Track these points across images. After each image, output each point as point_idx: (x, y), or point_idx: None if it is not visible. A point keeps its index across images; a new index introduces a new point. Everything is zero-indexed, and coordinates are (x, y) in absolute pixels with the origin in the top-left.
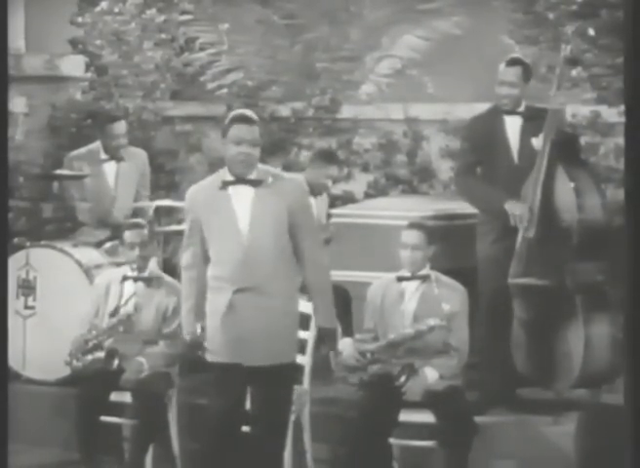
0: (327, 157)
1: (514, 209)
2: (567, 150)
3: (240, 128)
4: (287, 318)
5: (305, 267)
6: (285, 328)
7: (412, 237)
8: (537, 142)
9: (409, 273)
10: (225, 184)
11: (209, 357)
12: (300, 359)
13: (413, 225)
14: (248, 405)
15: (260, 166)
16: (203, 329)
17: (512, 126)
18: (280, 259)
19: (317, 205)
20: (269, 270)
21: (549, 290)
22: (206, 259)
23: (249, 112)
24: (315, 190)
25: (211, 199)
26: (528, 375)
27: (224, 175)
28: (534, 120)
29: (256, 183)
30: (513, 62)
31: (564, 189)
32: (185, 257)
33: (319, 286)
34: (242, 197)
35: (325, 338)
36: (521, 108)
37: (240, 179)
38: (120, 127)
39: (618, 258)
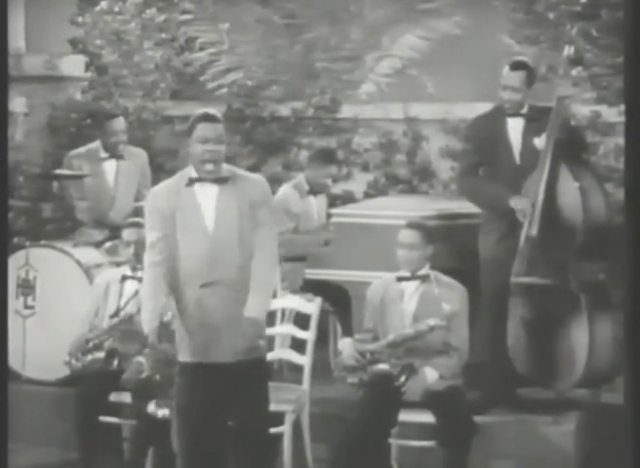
0: (326, 156)
1: (519, 204)
2: (571, 149)
3: (204, 127)
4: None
5: (254, 256)
6: (252, 323)
7: (408, 237)
8: (539, 142)
9: (408, 273)
10: (192, 182)
11: (180, 357)
12: (300, 359)
13: (410, 225)
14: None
15: (225, 165)
16: (167, 328)
17: (514, 127)
18: (246, 254)
19: (316, 204)
20: (235, 265)
21: (553, 289)
22: (172, 256)
23: (212, 111)
24: (315, 189)
25: (176, 196)
26: (529, 375)
27: (190, 172)
28: (536, 120)
29: (221, 181)
30: (517, 67)
31: (568, 188)
32: (152, 255)
33: (259, 275)
34: (207, 194)
35: (252, 329)
36: (524, 110)
37: (206, 177)
38: (119, 123)
39: (621, 258)
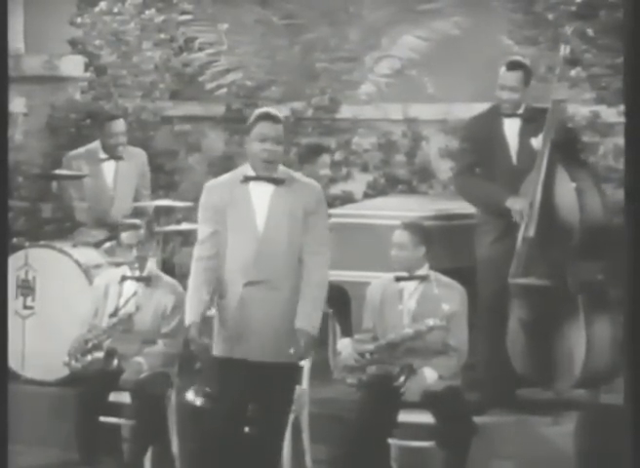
0: (315, 149)
1: (515, 204)
2: (567, 149)
3: (265, 125)
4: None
5: (305, 268)
6: (293, 325)
7: (399, 237)
8: (536, 143)
9: (406, 273)
10: (247, 179)
11: (215, 351)
12: None
13: (402, 225)
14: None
15: (282, 167)
16: (207, 322)
17: (511, 127)
18: (293, 257)
19: None
20: (281, 266)
21: (550, 290)
22: (221, 252)
23: (274, 111)
24: None
25: (230, 193)
26: (528, 376)
27: (246, 170)
28: (533, 121)
29: (277, 182)
30: (514, 66)
31: (565, 189)
32: (202, 249)
33: (312, 286)
34: (261, 193)
35: (305, 340)
36: (520, 110)
37: (262, 176)
38: (119, 125)
39: (618, 258)
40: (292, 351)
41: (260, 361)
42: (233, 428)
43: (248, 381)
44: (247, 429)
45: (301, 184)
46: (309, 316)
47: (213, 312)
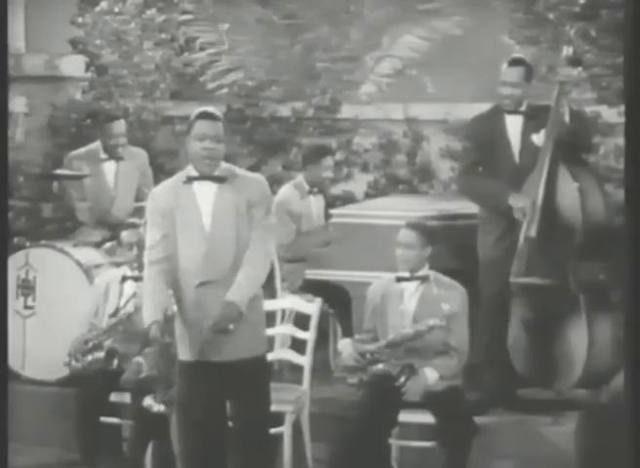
0: (319, 151)
1: (517, 201)
2: (570, 149)
3: (203, 124)
4: (252, 311)
5: (249, 249)
6: (250, 321)
7: (406, 237)
8: (537, 139)
9: (407, 273)
10: (190, 180)
11: (180, 356)
12: (300, 359)
13: (408, 225)
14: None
15: (224, 164)
16: (170, 322)
17: (513, 125)
18: (242, 254)
19: (314, 204)
20: (232, 264)
21: (552, 289)
22: (172, 255)
23: (212, 109)
24: (317, 186)
25: (176, 195)
26: (529, 375)
27: (189, 171)
28: (535, 118)
29: (219, 180)
30: (515, 63)
31: (567, 188)
32: (153, 253)
33: (247, 267)
34: (205, 192)
35: (225, 310)
36: (523, 107)
37: (204, 175)
38: (120, 126)
39: (620, 258)
40: (230, 327)
41: (224, 360)
42: (214, 427)
43: (218, 382)
44: (230, 424)
45: (244, 179)
46: (237, 289)
47: (172, 311)
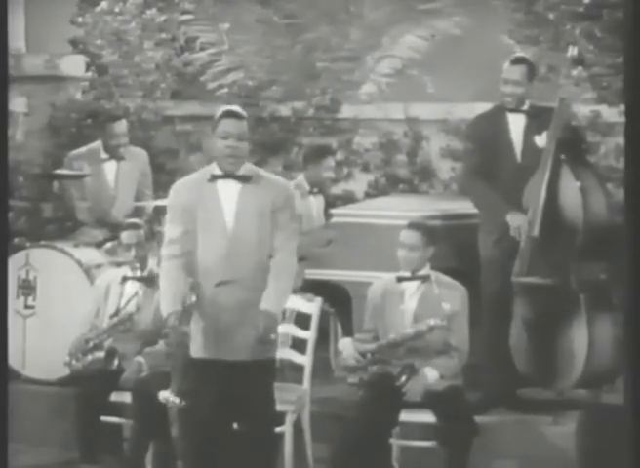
0: (320, 151)
1: (515, 220)
2: (573, 149)
3: (228, 122)
4: (267, 313)
5: (274, 255)
6: (265, 323)
7: (409, 237)
8: (540, 141)
9: (408, 273)
10: (214, 178)
11: (192, 352)
12: (301, 359)
13: (411, 225)
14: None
15: (249, 164)
16: (189, 312)
17: (516, 124)
18: (263, 255)
19: (314, 204)
20: (252, 264)
21: (553, 289)
22: (194, 250)
23: (237, 108)
24: (317, 187)
25: (198, 192)
26: (529, 375)
27: (213, 169)
28: (537, 118)
29: (243, 179)
30: (518, 61)
31: (570, 188)
32: (171, 248)
33: (278, 274)
34: (229, 191)
35: (266, 321)
36: (525, 107)
37: (228, 174)
38: (121, 126)
39: (622, 258)
40: (273, 337)
41: (236, 360)
42: (218, 427)
43: (226, 380)
44: (235, 426)
45: (269, 182)
46: (273, 298)
47: (192, 301)
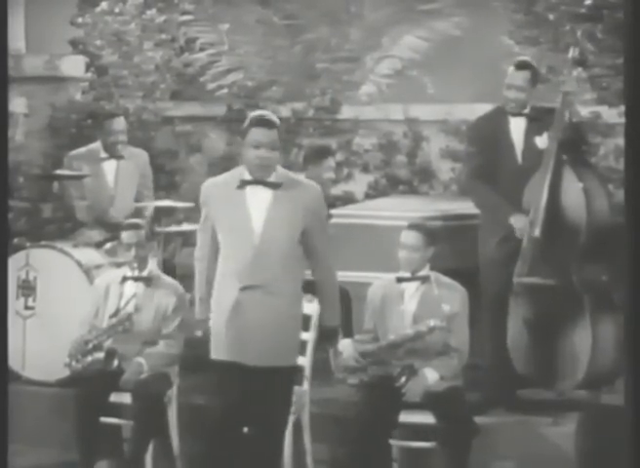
0: (320, 151)
1: (518, 222)
2: (575, 149)
3: (258, 132)
4: (291, 320)
5: (316, 268)
6: (288, 329)
7: (410, 238)
8: (540, 142)
9: (408, 274)
10: (243, 184)
11: (212, 354)
12: (301, 360)
13: (411, 226)
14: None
15: (280, 169)
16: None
17: (517, 126)
18: (289, 261)
19: None
20: (278, 271)
21: (555, 289)
22: (216, 254)
23: (269, 115)
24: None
25: (226, 196)
26: (531, 376)
27: (243, 173)
28: (538, 120)
29: (274, 186)
30: (522, 66)
31: (572, 189)
32: (197, 250)
33: (327, 286)
34: (259, 198)
35: (328, 336)
36: (526, 110)
37: (258, 181)
38: (119, 123)
39: (624, 259)
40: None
41: (257, 365)
42: (230, 429)
43: (245, 385)
44: (245, 429)
45: (300, 186)
46: (332, 312)
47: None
